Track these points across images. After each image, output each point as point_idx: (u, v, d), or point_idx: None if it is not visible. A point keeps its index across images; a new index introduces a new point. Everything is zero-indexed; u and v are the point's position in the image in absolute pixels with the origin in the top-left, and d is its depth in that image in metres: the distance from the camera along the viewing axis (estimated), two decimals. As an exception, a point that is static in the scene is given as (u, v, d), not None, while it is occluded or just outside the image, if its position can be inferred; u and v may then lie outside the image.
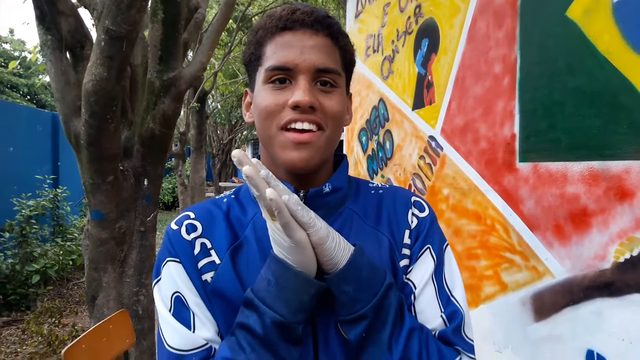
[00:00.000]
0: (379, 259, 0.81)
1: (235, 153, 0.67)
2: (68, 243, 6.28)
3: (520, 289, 1.91)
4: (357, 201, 0.88)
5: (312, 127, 0.75)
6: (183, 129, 7.37)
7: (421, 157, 2.67)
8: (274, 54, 0.77)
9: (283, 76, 0.76)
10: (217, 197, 0.91)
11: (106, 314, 2.45)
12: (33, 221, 5.68)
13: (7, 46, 20.81)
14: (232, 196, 0.90)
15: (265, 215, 0.69)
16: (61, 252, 6.00)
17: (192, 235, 0.81)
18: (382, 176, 3.15)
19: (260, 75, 0.79)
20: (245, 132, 21.88)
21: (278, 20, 0.78)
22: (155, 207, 2.76)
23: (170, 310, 0.77)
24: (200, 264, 0.80)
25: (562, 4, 1.77)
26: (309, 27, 0.77)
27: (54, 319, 4.82)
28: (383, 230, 0.85)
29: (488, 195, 2.11)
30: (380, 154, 3.19)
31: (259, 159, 0.87)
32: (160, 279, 0.80)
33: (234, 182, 20.40)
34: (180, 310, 0.77)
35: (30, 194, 5.92)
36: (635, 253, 1.47)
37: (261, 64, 0.79)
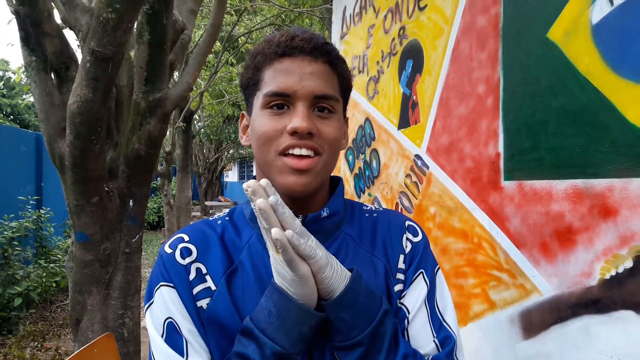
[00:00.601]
0: (374, 284, 0.81)
1: (251, 184, 0.68)
2: (51, 265, 6.17)
3: (508, 307, 1.92)
4: (352, 225, 0.88)
5: (310, 152, 0.76)
6: (169, 148, 7.34)
7: (407, 175, 2.69)
8: (273, 79, 0.77)
9: (281, 102, 0.77)
10: (210, 218, 0.90)
11: (91, 337, 2.41)
12: (15, 243, 5.57)
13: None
14: (227, 218, 0.89)
15: (269, 246, 0.70)
16: (44, 274, 5.89)
17: (187, 259, 0.80)
18: (369, 195, 3.16)
19: (259, 100, 0.79)
20: (231, 151, 21.85)
21: (277, 47, 0.78)
22: (141, 228, 2.73)
23: (162, 336, 0.76)
24: (196, 290, 0.79)
25: (543, 26, 1.81)
26: (307, 53, 0.78)
27: (36, 343, 4.72)
28: (378, 255, 0.85)
29: (474, 214, 2.12)
30: (367, 173, 3.20)
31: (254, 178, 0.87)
32: (152, 302, 0.79)
33: (220, 202, 20.30)
34: (173, 337, 0.76)
35: (12, 215, 5.83)
36: (620, 270, 1.49)
37: (259, 89, 0.80)
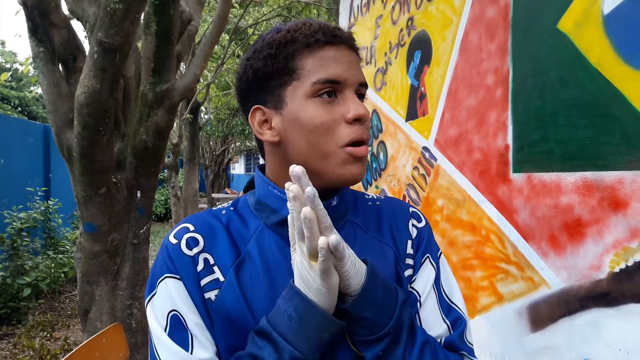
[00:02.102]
0: (385, 271, 0.81)
1: (294, 189, 0.66)
2: (60, 256, 6.21)
3: (516, 300, 1.91)
4: (356, 213, 0.88)
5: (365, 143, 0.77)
6: (176, 140, 7.35)
7: (415, 167, 2.68)
8: (321, 67, 0.75)
9: (331, 89, 0.76)
10: (214, 208, 0.89)
11: (99, 327, 2.42)
12: (24, 234, 5.61)
13: (-1, 58, 20.75)
14: (231, 208, 0.88)
15: (301, 253, 0.68)
16: (53, 265, 5.93)
17: (195, 250, 0.78)
18: (377, 187, 3.15)
19: (301, 90, 0.76)
20: (238, 144, 21.87)
21: (322, 35, 0.77)
22: (149, 220, 2.74)
23: (165, 330, 0.75)
24: (204, 281, 0.77)
25: (553, 16, 1.78)
26: (345, 43, 0.79)
27: (45, 333, 4.76)
28: (387, 242, 0.86)
29: (482, 206, 2.11)
30: (374, 165, 3.19)
31: (263, 172, 0.86)
32: (154, 294, 0.77)
33: (227, 194, 20.35)
34: (177, 330, 0.75)
35: (21, 206, 5.87)
36: (630, 263, 1.47)
37: (298, 78, 0.77)
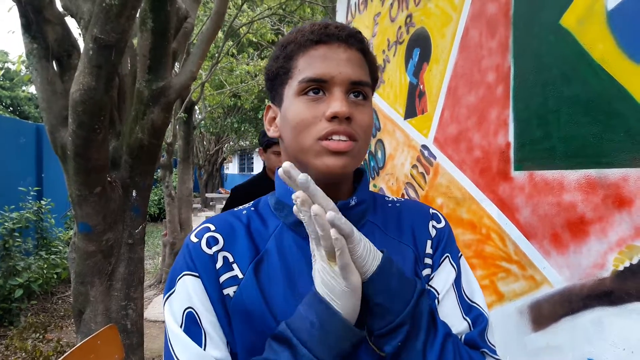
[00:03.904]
0: (404, 270, 0.80)
1: (300, 194, 0.66)
2: (52, 256, 6.15)
3: (517, 299, 1.89)
4: (376, 214, 0.89)
5: (347, 138, 0.77)
6: (170, 139, 7.30)
7: (414, 166, 2.66)
8: (309, 65, 0.78)
9: (317, 88, 0.77)
10: (235, 209, 0.90)
11: (94, 329, 2.39)
12: (16, 234, 5.55)
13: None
14: (252, 208, 0.89)
15: (321, 258, 0.68)
16: (45, 266, 5.88)
17: (214, 248, 0.79)
18: (375, 185, 3.13)
19: (292, 88, 0.79)
20: (232, 143, 21.80)
21: (311, 34, 0.79)
22: (144, 219, 2.71)
23: (181, 326, 0.75)
24: (222, 278, 0.78)
25: (555, 12, 1.77)
26: (343, 40, 0.79)
27: (38, 335, 4.71)
28: (406, 242, 0.86)
29: (483, 204, 2.09)
30: (372, 164, 3.17)
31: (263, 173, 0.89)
32: (173, 291, 0.78)
33: (221, 193, 20.28)
34: (191, 327, 0.75)
35: (13, 206, 5.80)
36: (634, 261, 1.46)
37: (292, 77, 0.80)
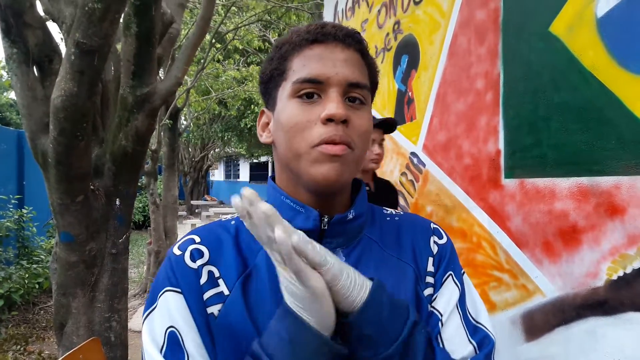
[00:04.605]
0: (403, 291, 0.76)
1: (247, 194, 0.60)
2: (34, 266, 6.01)
3: (509, 308, 1.87)
4: (373, 228, 0.83)
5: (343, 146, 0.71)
6: (155, 146, 7.21)
7: (403, 173, 2.64)
8: (304, 66, 0.72)
9: (312, 90, 0.71)
10: (223, 218, 0.84)
11: (76, 342, 2.31)
12: (-4, 243, 5.43)
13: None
14: (234, 220, 0.83)
15: (277, 260, 0.62)
16: (26, 276, 5.74)
17: (199, 262, 0.73)
18: (362, 193, 3.11)
19: (285, 90, 0.73)
20: (217, 150, 21.69)
21: (307, 34, 0.74)
22: (128, 228, 2.64)
23: (161, 350, 0.69)
24: (207, 295, 0.72)
25: (545, 19, 1.76)
26: (340, 40, 0.74)
27: (19, 347, 4.58)
28: (406, 260, 0.80)
29: (473, 212, 2.07)
30: (359, 171, 3.15)
31: (272, 177, 0.83)
32: (154, 307, 0.72)
33: (207, 201, 20.15)
34: (173, 349, 0.69)
35: (-7, 214, 5.68)
36: (628, 270, 1.44)
37: (286, 79, 0.74)
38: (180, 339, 0.69)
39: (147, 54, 2.39)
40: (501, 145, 1.93)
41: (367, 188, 2.14)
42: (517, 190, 1.84)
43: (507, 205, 1.89)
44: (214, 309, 0.71)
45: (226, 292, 0.72)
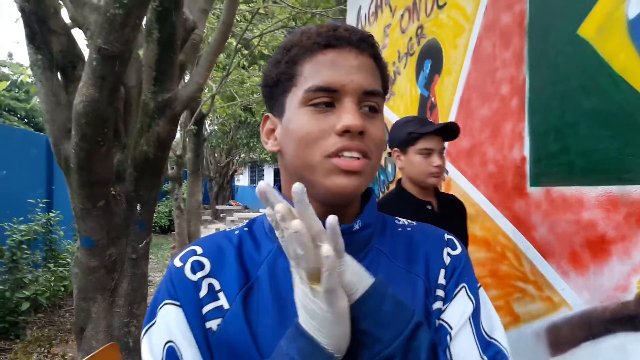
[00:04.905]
0: (411, 303, 0.70)
1: (280, 208, 0.57)
2: (60, 268, 6.12)
3: (534, 321, 1.80)
4: (383, 239, 0.79)
5: (359, 155, 0.67)
6: (180, 152, 7.28)
7: (425, 180, 2.59)
8: (317, 73, 0.68)
9: (326, 99, 0.68)
10: (228, 229, 0.80)
11: (95, 346, 2.32)
12: (24, 246, 5.53)
13: (6, 70, 20.85)
14: (245, 229, 0.79)
15: (301, 280, 0.59)
16: (53, 278, 5.84)
17: (199, 274, 0.70)
18: (384, 200, 3.06)
19: (296, 97, 0.69)
20: (242, 155, 21.84)
21: (319, 37, 0.69)
22: (149, 234, 2.65)
23: None
24: (206, 309, 0.69)
25: (573, 22, 1.71)
26: (354, 45, 0.70)
27: (43, 349, 4.65)
28: (417, 272, 0.76)
29: (497, 221, 2.01)
30: (382, 178, 3.10)
31: (277, 187, 0.78)
32: (154, 323, 0.69)
33: (231, 205, 20.27)
34: None
35: (22, 218, 5.79)
36: (661, 284, 1.37)
37: (296, 85, 0.70)
38: (179, 355, 0.66)
39: (168, 60, 2.40)
40: (527, 152, 1.87)
41: (430, 207, 1.83)
42: (543, 198, 1.77)
43: (532, 214, 1.82)
44: (213, 324, 0.68)
45: (226, 305, 0.69)
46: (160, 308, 0.69)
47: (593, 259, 1.58)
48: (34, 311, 5.42)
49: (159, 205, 14.71)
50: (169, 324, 0.67)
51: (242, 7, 8.05)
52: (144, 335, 0.69)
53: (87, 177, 2.24)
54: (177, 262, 0.72)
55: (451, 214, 1.90)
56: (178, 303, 0.68)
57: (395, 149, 1.87)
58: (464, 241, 1.87)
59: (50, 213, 6.55)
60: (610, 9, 1.57)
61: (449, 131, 1.81)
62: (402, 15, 2.92)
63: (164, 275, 0.73)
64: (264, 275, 0.71)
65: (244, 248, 0.75)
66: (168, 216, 14.14)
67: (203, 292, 0.69)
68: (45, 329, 5.31)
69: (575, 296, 1.63)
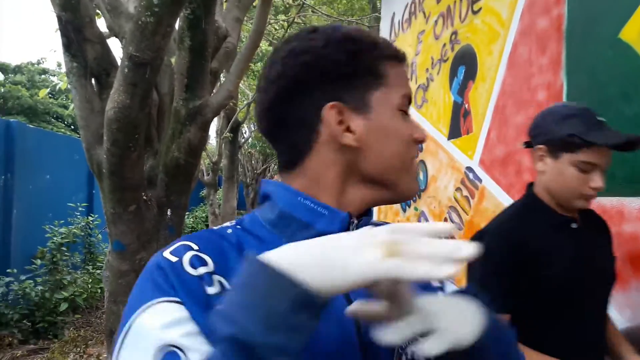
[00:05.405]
0: None
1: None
2: (98, 271, 6.28)
3: (570, 339, 1.71)
4: None
5: None
6: (215, 158, 7.37)
7: (458, 189, 2.51)
8: (403, 82, 0.73)
9: (408, 108, 0.75)
10: (215, 228, 0.72)
11: (124, 350, 2.34)
12: (64, 248, 5.70)
13: (55, 78, 21.71)
14: (238, 227, 0.72)
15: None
16: (90, 280, 6.00)
17: (202, 269, 0.60)
18: (415, 209, 2.99)
19: (392, 99, 0.71)
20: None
21: (395, 50, 0.74)
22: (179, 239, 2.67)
23: None
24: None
25: (614, 25, 1.63)
26: (406, 65, 0.78)
27: (79, 349, 4.76)
28: None
29: (532, 233, 1.93)
30: (413, 186, 3.04)
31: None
32: (129, 330, 0.57)
33: (267, 211, 20.35)
34: None
35: (62, 221, 5.97)
36: None
37: (386, 85, 0.71)
38: (185, 358, 0.54)
39: (200, 68, 2.41)
40: (564, 161, 1.78)
41: (574, 226, 1.37)
42: (581, 210, 1.69)
43: (569, 226, 1.73)
44: None
45: None
46: (144, 311, 0.57)
47: (635, 275, 1.49)
48: (72, 312, 5.56)
49: (196, 211, 14.97)
50: (165, 325, 0.55)
51: (280, 17, 8.13)
52: (118, 351, 0.57)
53: (119, 182, 2.27)
54: (169, 256, 0.61)
55: (596, 233, 1.44)
56: (177, 299, 0.57)
57: (542, 146, 1.39)
58: (613, 265, 1.38)
59: (89, 217, 6.73)
60: (654, 10, 1.49)
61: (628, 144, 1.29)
62: (435, 21, 2.86)
63: (141, 275, 0.62)
64: None
65: (246, 246, 0.67)
66: (205, 221, 14.35)
67: (214, 288, 0.60)
68: (82, 330, 5.44)
69: (616, 314, 1.54)
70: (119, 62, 2.63)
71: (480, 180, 2.31)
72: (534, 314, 1.30)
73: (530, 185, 1.49)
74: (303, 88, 0.70)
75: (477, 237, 1.44)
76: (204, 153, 8.05)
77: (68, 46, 2.37)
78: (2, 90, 17.22)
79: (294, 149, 0.72)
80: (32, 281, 5.29)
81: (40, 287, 5.27)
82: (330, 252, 0.50)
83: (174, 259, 0.60)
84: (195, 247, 0.63)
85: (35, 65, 20.75)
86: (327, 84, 0.70)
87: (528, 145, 1.47)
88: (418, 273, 0.45)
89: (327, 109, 0.69)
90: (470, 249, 0.46)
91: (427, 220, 2.83)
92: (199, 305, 0.57)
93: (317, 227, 0.66)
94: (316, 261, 0.49)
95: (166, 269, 0.59)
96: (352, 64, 0.69)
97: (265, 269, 0.48)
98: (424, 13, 3.02)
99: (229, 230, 0.70)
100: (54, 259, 5.51)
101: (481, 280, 1.26)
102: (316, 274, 0.48)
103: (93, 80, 2.52)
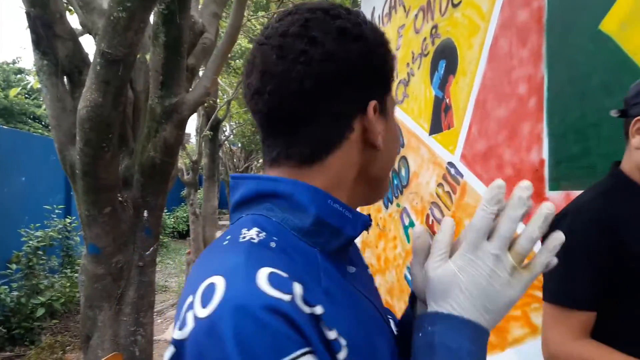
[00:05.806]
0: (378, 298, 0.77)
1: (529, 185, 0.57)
2: (76, 274, 6.15)
3: (554, 334, 1.71)
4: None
5: None
6: (195, 157, 7.30)
7: (439, 184, 2.49)
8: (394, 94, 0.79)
9: None
10: (257, 239, 0.57)
11: (100, 355, 2.28)
12: (40, 252, 5.57)
13: (30, 78, 21.28)
14: (274, 238, 0.57)
15: (495, 258, 0.58)
16: (68, 284, 5.88)
17: (319, 309, 0.50)
18: (398, 205, 2.97)
19: (392, 104, 0.71)
20: (261, 160, 21.93)
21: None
22: (156, 240, 2.61)
23: None
24: (342, 355, 0.52)
25: (594, 17, 1.62)
26: None
27: (56, 355, 4.66)
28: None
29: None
30: (395, 182, 3.02)
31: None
32: None
33: (249, 211, 20.25)
34: None
35: (38, 224, 5.84)
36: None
37: (390, 93, 0.69)
38: None
39: (175, 64, 2.36)
40: (545, 154, 1.78)
41: None
42: (563, 203, 1.68)
43: (552, 220, 1.73)
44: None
45: (342, 341, 0.52)
46: None
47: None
48: (50, 317, 5.44)
49: (177, 211, 14.82)
50: None
51: (260, 12, 8.07)
52: None
53: (93, 183, 2.21)
54: (275, 293, 0.47)
55: None
56: (312, 349, 0.47)
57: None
58: None
59: (66, 219, 6.60)
60: (634, 2, 1.48)
61: None
62: (416, 15, 2.84)
63: (242, 325, 0.45)
64: (331, 286, 0.57)
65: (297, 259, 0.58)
66: (186, 221, 14.23)
67: (333, 333, 0.52)
68: (60, 335, 5.33)
69: (599, 308, 1.53)
70: (91, 59, 2.56)
71: (461, 176, 2.30)
72: (612, 306, 1.18)
73: (617, 163, 1.32)
74: (355, 78, 0.62)
75: (557, 220, 1.24)
76: (183, 152, 7.98)
77: (38, 43, 2.29)
78: (-24, 91, 16.85)
79: (320, 144, 0.62)
80: (7, 287, 5.15)
81: (15, 293, 5.14)
82: (495, 298, 0.56)
83: (287, 298, 0.48)
84: (284, 274, 0.50)
85: (11, 65, 20.30)
86: (374, 79, 0.65)
87: (622, 114, 1.28)
88: (544, 262, 0.59)
89: (371, 105, 0.63)
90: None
91: (408, 216, 2.82)
92: (324, 351, 0.49)
93: (345, 232, 0.61)
94: (488, 309, 0.57)
95: (288, 312, 0.47)
96: (388, 64, 0.67)
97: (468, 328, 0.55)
98: (404, 7, 3.00)
99: (273, 244, 0.57)
100: (30, 263, 5.38)
101: (565, 266, 1.04)
102: (491, 321, 0.57)
103: (65, 78, 2.44)
